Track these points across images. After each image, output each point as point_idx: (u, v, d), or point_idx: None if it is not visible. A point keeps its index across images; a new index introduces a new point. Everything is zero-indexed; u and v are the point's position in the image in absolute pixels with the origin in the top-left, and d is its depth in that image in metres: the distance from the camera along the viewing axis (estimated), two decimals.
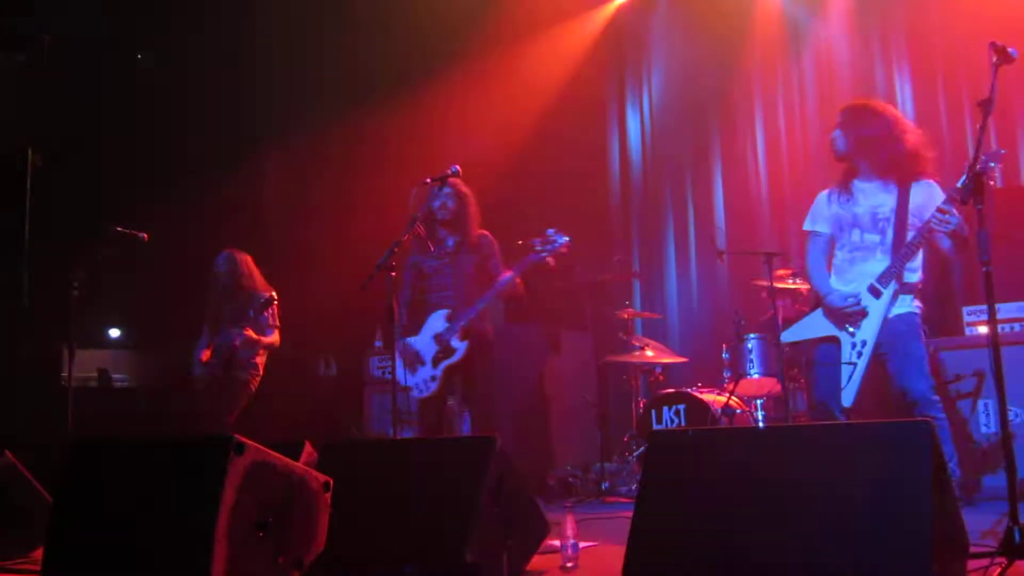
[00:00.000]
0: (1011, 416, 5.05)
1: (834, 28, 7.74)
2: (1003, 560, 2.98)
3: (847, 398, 4.06)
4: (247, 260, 6.18)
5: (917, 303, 4.17)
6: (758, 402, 6.18)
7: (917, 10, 7.26)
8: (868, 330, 4.07)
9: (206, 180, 7.97)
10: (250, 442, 2.75)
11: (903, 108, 7.29)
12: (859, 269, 4.17)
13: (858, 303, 4.07)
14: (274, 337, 6.10)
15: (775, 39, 8.07)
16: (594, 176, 9.10)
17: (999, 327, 5.26)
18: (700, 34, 8.53)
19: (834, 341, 4.19)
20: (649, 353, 6.61)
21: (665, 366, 6.98)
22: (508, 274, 5.19)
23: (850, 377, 4.05)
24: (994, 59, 3.46)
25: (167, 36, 8.32)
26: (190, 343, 6.23)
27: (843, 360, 4.10)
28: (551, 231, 5.04)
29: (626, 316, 6.90)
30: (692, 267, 8.46)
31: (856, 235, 4.20)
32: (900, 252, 4.05)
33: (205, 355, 6.06)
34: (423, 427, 5.47)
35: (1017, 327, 5.39)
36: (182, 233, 5.82)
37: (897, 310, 4.08)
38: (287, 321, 6.22)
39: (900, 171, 4.17)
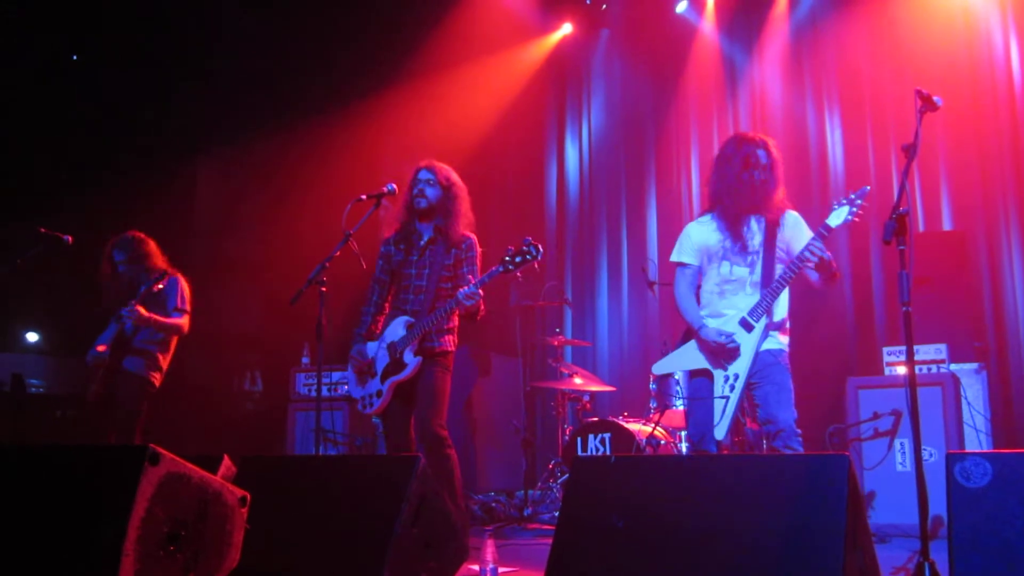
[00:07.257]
0: (926, 455, 5.18)
1: (769, 70, 7.96)
2: None
3: (720, 432, 3.96)
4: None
5: (784, 339, 4.14)
6: (682, 433, 6.23)
7: (849, 57, 7.49)
8: (740, 364, 3.99)
9: (137, 187, 7.80)
10: (166, 452, 2.68)
11: (833, 150, 7.51)
12: (728, 302, 4.11)
13: (732, 341, 3.99)
14: (182, 320, 5.38)
15: (712, 77, 8.27)
16: (531, 202, 9.16)
17: (917, 368, 5.44)
18: (639, 69, 8.72)
19: (707, 374, 4.10)
20: (578, 381, 6.64)
21: (593, 394, 7.01)
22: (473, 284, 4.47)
23: (723, 411, 3.96)
24: (920, 106, 3.56)
25: (104, 39, 8.18)
26: None
27: (716, 394, 4.01)
28: (528, 240, 4.40)
29: (556, 343, 6.93)
30: (624, 297, 8.55)
31: (726, 268, 4.14)
32: (771, 286, 4.00)
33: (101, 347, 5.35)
34: (387, 446, 4.82)
35: (934, 368, 5.54)
36: (108, 239, 5.64)
37: (767, 345, 4.02)
38: (213, 335, 6.00)
39: (772, 205, 4.15)
